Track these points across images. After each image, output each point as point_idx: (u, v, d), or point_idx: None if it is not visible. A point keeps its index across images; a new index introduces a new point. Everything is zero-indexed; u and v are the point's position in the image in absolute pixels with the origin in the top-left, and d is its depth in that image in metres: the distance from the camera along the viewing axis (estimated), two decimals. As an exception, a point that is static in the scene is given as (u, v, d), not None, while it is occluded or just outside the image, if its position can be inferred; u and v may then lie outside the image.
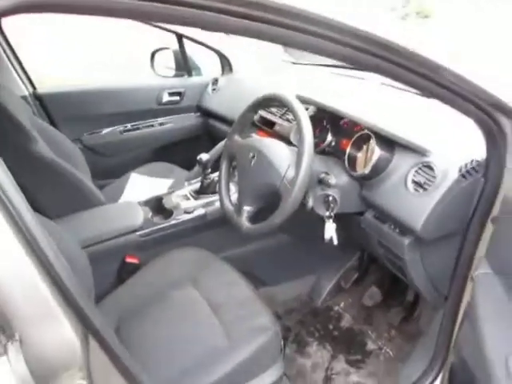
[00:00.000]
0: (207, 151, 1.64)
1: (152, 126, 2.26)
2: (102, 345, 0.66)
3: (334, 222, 1.21)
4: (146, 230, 1.46)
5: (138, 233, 1.44)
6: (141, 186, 1.99)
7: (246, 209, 1.23)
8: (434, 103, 1.29)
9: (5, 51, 1.88)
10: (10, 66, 1.90)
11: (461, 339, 1.12)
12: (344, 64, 1.85)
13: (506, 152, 0.99)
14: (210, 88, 2.31)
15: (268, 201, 1.21)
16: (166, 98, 2.26)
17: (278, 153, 1.18)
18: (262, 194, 1.21)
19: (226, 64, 2.31)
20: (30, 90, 1.99)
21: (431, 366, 1.30)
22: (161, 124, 2.29)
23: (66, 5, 0.54)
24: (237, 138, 1.34)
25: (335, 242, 1.20)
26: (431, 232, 1.11)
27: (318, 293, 1.85)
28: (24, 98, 1.91)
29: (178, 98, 2.30)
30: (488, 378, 0.83)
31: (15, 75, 1.92)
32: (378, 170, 1.20)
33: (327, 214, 1.20)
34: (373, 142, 1.21)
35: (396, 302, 1.74)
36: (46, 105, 2.01)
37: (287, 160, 1.14)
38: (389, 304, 1.76)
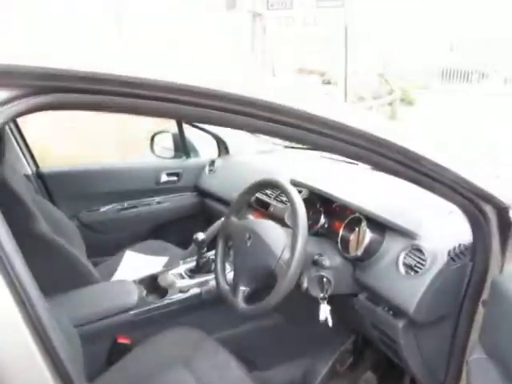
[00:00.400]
0: (203, 230, 1.68)
1: (149, 204, 2.32)
2: None
3: (328, 303, 1.22)
4: (140, 310, 1.45)
5: (131, 312, 1.43)
6: (135, 263, 1.99)
7: (242, 289, 1.24)
8: (418, 191, 1.39)
9: (11, 129, 1.98)
10: (15, 144, 1.99)
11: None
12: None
13: (491, 237, 1.04)
14: (207, 169, 2.41)
15: (263, 281, 1.23)
16: (164, 178, 2.35)
17: (273, 234, 1.22)
18: (258, 275, 1.24)
19: (222, 146, 2.44)
20: (33, 168, 2.07)
21: None
22: (158, 203, 2.35)
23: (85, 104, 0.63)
24: (233, 218, 1.39)
25: (330, 323, 1.20)
26: (424, 315, 1.13)
27: (313, 377, 1.78)
28: (27, 176, 1.98)
29: (175, 178, 2.38)
30: None
31: (20, 153, 2.01)
32: (370, 252, 1.24)
33: (321, 295, 1.22)
34: (364, 225, 1.27)
35: (393, 385, 1.69)
36: (46, 183, 2.07)
37: (282, 242, 1.19)
38: (385, 388, 1.70)
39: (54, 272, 1.46)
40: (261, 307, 1.16)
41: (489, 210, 1.01)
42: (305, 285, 1.20)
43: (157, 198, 2.35)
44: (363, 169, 1.72)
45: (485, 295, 1.09)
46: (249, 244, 1.24)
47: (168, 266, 1.83)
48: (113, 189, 2.24)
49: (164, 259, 2.01)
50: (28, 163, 2.05)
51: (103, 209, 2.21)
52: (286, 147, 2.49)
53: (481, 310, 1.11)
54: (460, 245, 1.13)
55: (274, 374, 1.75)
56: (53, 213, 1.78)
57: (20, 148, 2.02)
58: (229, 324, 1.60)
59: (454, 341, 1.18)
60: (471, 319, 1.13)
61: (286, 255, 1.14)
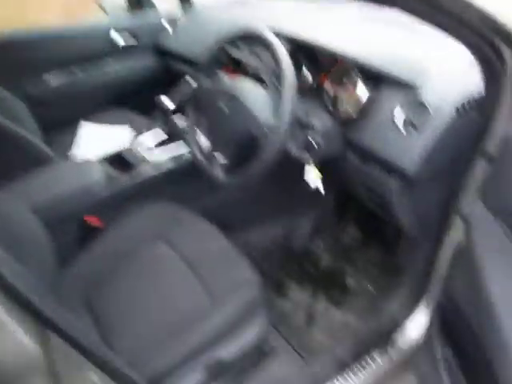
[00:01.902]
0: (167, 94, 1.46)
1: (104, 69, 2.02)
2: (68, 341, 0.55)
3: (317, 167, 1.11)
4: (107, 189, 1.31)
5: (97, 191, 1.29)
6: (95, 136, 1.79)
7: (221, 159, 1.10)
8: (423, 37, 1.20)
9: None
10: None
11: (451, 281, 1.08)
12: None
13: (505, 87, 0.90)
14: (167, 25, 2.06)
15: (245, 151, 1.09)
16: (118, 38, 2.00)
17: (254, 97, 1.05)
18: (238, 143, 1.09)
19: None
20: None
21: (415, 304, 1.29)
22: (114, 67, 2.04)
23: None
24: (205, 80, 1.18)
25: (322, 190, 1.10)
26: (423, 173, 1.04)
27: (295, 234, 1.78)
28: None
29: (132, 37, 2.04)
30: (492, 324, 0.79)
31: None
32: (364, 109, 1.09)
33: (310, 159, 1.09)
34: (355, 75, 1.09)
35: (376, 239, 1.71)
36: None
37: (265, 104, 1.02)
38: (368, 242, 1.73)
39: (2, 157, 1.27)
40: (243, 177, 1.04)
41: (505, 49, 0.85)
42: (293, 149, 1.06)
43: (112, 62, 2.03)
44: (352, 14, 1.47)
45: (488, 149, 0.99)
46: (227, 109, 1.06)
47: (133, 138, 1.65)
48: (61, 55, 1.89)
49: (127, 129, 1.81)
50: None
51: (52, 76, 1.91)
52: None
53: (483, 164, 1.02)
54: (469, 99, 0.99)
55: (255, 234, 1.73)
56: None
57: None
58: (203, 195, 1.49)
59: (448, 196, 1.12)
60: (470, 174, 1.05)
61: (271, 119, 0.98)
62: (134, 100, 2.05)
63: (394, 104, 1.05)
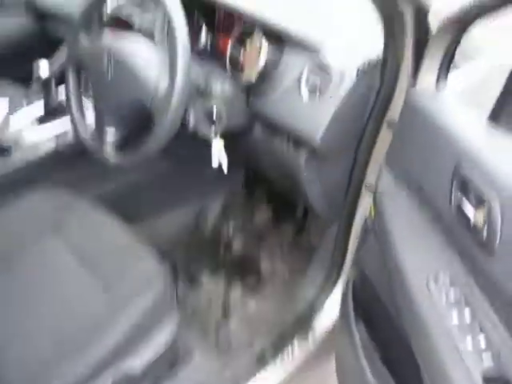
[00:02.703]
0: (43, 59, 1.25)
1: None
2: None
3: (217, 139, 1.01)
4: None
5: None
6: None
7: (110, 135, 0.95)
8: None
9: None
10: None
11: (362, 256, 1.07)
12: None
13: (404, 44, 0.87)
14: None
15: (137, 124, 0.95)
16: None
17: (142, 58, 0.90)
18: (128, 115, 0.94)
19: None
20: None
21: (330, 285, 1.27)
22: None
23: None
24: (83, 40, 1.00)
25: (225, 169, 1.01)
26: (330, 144, 0.98)
27: (205, 219, 1.68)
28: None
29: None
30: (409, 302, 0.76)
31: None
32: (267, 73, 1.00)
33: (213, 132, 0.99)
34: (259, 37, 1.00)
35: (286, 217, 1.67)
36: None
37: (156, 67, 0.88)
38: (279, 221, 1.68)
39: None
40: (138, 156, 0.91)
41: (406, 10, 0.82)
42: (191, 122, 0.95)
43: None
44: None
45: (390, 115, 0.97)
46: (110, 74, 0.91)
47: (6, 114, 1.41)
48: None
49: (3, 101, 1.54)
50: None
51: None
52: None
53: (386, 132, 1.00)
54: (370, 60, 0.95)
55: (162, 223, 1.61)
56: None
57: None
58: (98, 180, 1.32)
59: (353, 168, 1.09)
60: (374, 143, 1.03)
61: (163, 86, 0.85)
62: (7, 67, 1.75)
63: (298, 69, 0.98)
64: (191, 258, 1.60)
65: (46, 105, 1.25)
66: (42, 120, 1.26)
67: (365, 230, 1.04)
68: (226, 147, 1.04)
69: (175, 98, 0.81)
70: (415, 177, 0.83)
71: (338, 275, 1.24)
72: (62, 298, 0.93)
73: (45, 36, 1.81)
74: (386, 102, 0.95)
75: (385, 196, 0.91)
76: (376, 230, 0.91)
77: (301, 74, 0.97)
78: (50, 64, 1.23)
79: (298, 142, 1.02)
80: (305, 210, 1.61)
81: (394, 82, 0.93)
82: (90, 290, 0.94)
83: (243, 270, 1.58)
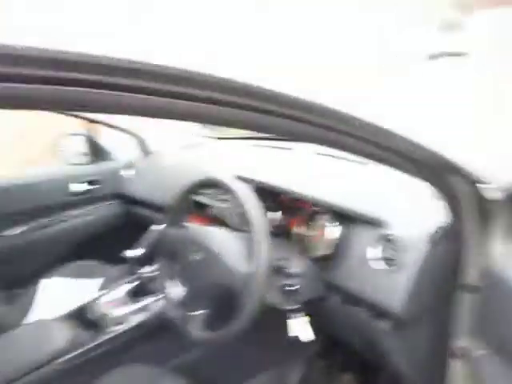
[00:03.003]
0: (132, 241, 1.43)
1: (64, 220, 1.99)
2: None
3: (299, 314, 1.06)
4: (71, 354, 1.19)
5: (60, 359, 1.16)
6: (58, 293, 1.68)
7: (196, 314, 1.04)
8: (379, 172, 1.26)
9: None
10: None
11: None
12: (270, 135, 1.79)
13: (464, 215, 0.93)
14: (127, 172, 2.13)
15: (223, 302, 1.04)
16: (77, 187, 2.02)
17: (226, 245, 1.03)
18: (214, 296, 1.04)
19: (142, 145, 2.16)
20: None
21: None
22: (75, 217, 2.02)
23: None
24: (172, 230, 1.17)
25: (312, 337, 1.04)
26: (410, 311, 1.00)
27: None
28: None
29: (91, 186, 2.07)
30: None
31: None
32: (336, 249, 1.09)
33: (289, 307, 1.05)
34: (325, 218, 1.12)
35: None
36: None
37: (239, 252, 1.00)
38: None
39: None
40: (226, 334, 0.97)
41: (458, 182, 0.90)
42: (270, 299, 1.02)
43: (73, 212, 2.02)
44: (307, 155, 1.57)
45: (469, 280, 0.98)
46: (198, 260, 1.04)
47: (98, 291, 1.56)
48: (15, 208, 1.87)
49: (93, 282, 1.72)
50: None
51: (6, 233, 1.85)
52: (220, 138, 2.27)
53: (467, 296, 1.01)
54: (436, 229, 1.01)
55: None
56: None
57: None
58: (181, 350, 1.38)
59: (438, 334, 1.08)
60: (454, 307, 1.03)
61: (247, 268, 0.95)
62: (99, 251, 1.99)
63: (366, 242, 1.06)
64: None
65: (134, 283, 1.38)
66: (130, 297, 1.38)
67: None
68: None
69: (257, 282, 0.90)
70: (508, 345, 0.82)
71: None
72: None
73: (131, 219, 2.08)
74: (459, 267, 0.97)
75: (480, 364, 0.89)
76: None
77: (368, 246, 1.05)
78: (138, 247, 1.39)
79: (377, 311, 1.04)
80: (390, 376, 1.52)
81: (464, 248, 0.97)
82: None
83: None
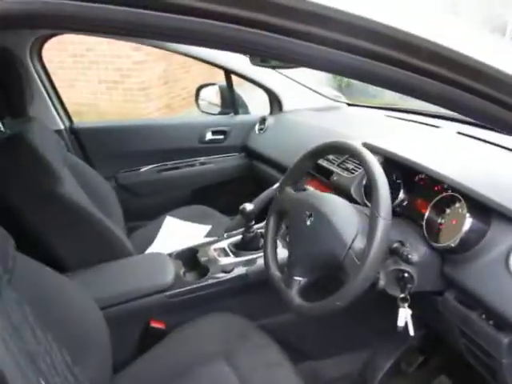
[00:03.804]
0: (251, 195, 1.44)
1: (193, 165, 2.10)
2: None
3: (407, 304, 0.95)
4: (176, 290, 1.25)
5: (166, 293, 1.23)
6: (175, 230, 1.80)
7: (298, 280, 1.00)
8: None
9: (41, 80, 1.78)
10: (46, 96, 1.80)
11: None
12: (409, 107, 1.62)
13: None
14: (257, 128, 2.14)
15: (327, 274, 0.98)
16: (209, 136, 2.11)
17: (342, 214, 0.95)
18: (320, 265, 0.98)
19: (275, 102, 2.14)
20: (67, 123, 1.88)
21: None
22: (202, 164, 2.12)
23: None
24: (289, 190, 1.12)
25: (411, 331, 0.93)
26: None
27: (372, 373, 1.54)
28: (59, 131, 1.79)
29: (222, 136, 2.13)
30: None
31: (51, 107, 1.82)
32: (469, 243, 0.94)
33: (402, 295, 0.94)
34: (461, 206, 0.96)
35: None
36: (81, 140, 1.89)
37: (355, 225, 0.91)
38: (461, 399, 1.43)
39: (81, 243, 1.29)
40: (323, 307, 0.91)
41: None
42: (382, 282, 0.93)
43: (201, 159, 2.12)
44: (447, 134, 1.39)
45: None
46: (309, 224, 0.98)
47: (211, 236, 1.62)
48: (153, 148, 2.03)
49: (207, 227, 1.80)
50: (61, 118, 1.86)
51: (143, 169, 2.02)
52: (350, 105, 2.15)
53: None
54: None
55: (327, 365, 1.54)
56: (86, 173, 1.60)
57: (51, 101, 1.83)
58: (276, 310, 1.37)
59: None
60: None
61: (360, 244, 0.87)
62: (219, 198, 2.08)
63: (507, 243, 0.89)
64: None
65: (243, 237, 1.39)
66: (239, 249, 1.39)
67: None
68: (411, 307, 0.98)
69: (370, 262, 0.82)
70: None
71: None
72: None
73: (254, 174, 2.11)
74: None
75: None
76: None
77: (511, 249, 0.88)
78: (254, 203, 1.39)
79: (501, 321, 0.90)
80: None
81: None
82: None
83: None
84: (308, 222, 0.98)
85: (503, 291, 0.87)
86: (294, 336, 1.41)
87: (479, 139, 1.25)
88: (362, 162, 0.93)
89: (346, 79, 4.45)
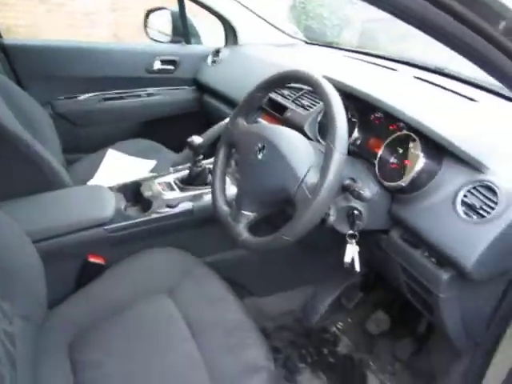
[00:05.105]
0: (200, 131, 1.36)
1: (139, 96, 1.95)
2: None
3: (354, 241, 0.95)
4: (117, 224, 1.17)
5: (105, 227, 1.16)
6: (118, 164, 1.69)
7: (246, 214, 0.96)
8: (490, 112, 1.06)
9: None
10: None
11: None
12: (368, 50, 1.57)
13: None
14: (210, 59, 2.00)
15: (276, 208, 0.94)
16: (157, 65, 1.95)
17: (296, 148, 0.90)
18: (270, 200, 0.94)
19: (230, 33, 2.01)
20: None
21: None
22: (149, 95, 1.98)
23: None
24: (241, 121, 1.05)
25: (357, 267, 0.93)
26: (484, 272, 0.86)
27: (314, 309, 1.59)
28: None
29: (171, 67, 1.99)
30: None
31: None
32: (419, 183, 0.93)
33: (350, 232, 0.93)
34: (415, 146, 0.94)
35: (405, 331, 1.49)
36: (12, 59, 1.68)
37: (308, 159, 0.87)
38: (396, 333, 1.50)
39: (5, 169, 1.16)
40: (271, 242, 0.88)
41: None
42: (332, 218, 0.91)
43: (148, 90, 1.97)
44: (404, 76, 1.36)
45: None
46: (260, 157, 0.92)
47: (156, 172, 1.54)
48: (96, 73, 1.85)
49: (152, 162, 1.71)
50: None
51: (83, 96, 1.85)
52: (308, 43, 2.06)
53: None
54: None
55: (271, 301, 1.57)
56: (17, 95, 1.44)
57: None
58: (222, 247, 1.34)
59: (504, 298, 0.95)
60: None
61: (312, 179, 0.83)
62: (166, 133, 1.96)
63: (456, 182, 0.89)
64: (294, 345, 1.51)
65: (190, 172, 1.32)
66: (183, 183, 1.33)
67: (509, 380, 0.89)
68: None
69: (322, 196, 0.78)
70: None
71: None
72: (162, 364, 0.92)
73: (204, 108, 2.00)
74: None
75: None
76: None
77: (458, 190, 0.88)
78: (203, 137, 1.31)
79: (443, 259, 0.92)
80: (428, 327, 1.42)
81: None
82: (192, 363, 0.93)
83: (346, 376, 1.43)
84: (259, 155, 0.93)
85: (448, 230, 0.88)
86: (239, 273, 1.40)
87: (435, 84, 1.23)
88: (320, 92, 0.87)
89: (304, 20, 4.29)
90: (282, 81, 1.03)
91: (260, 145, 0.93)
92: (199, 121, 1.99)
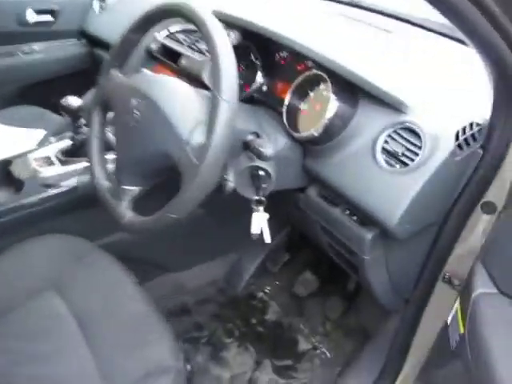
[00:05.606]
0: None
1: (13, 55, 1.63)
2: None
3: (265, 209, 0.80)
4: None
5: None
6: (-3, 138, 1.42)
7: (128, 189, 0.77)
8: (411, 44, 0.96)
9: None
10: None
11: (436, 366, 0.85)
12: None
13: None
14: (96, 6, 1.71)
15: (160, 180, 0.77)
16: (32, 17, 1.62)
17: (179, 101, 0.72)
18: (153, 169, 0.76)
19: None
20: None
21: (381, 379, 1.04)
22: (27, 53, 1.66)
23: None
24: (116, 73, 0.85)
25: (267, 239, 0.79)
26: (409, 226, 0.76)
27: (238, 277, 1.48)
28: None
29: (50, 17, 1.67)
30: None
31: None
32: (333, 131, 0.80)
33: (256, 197, 0.78)
34: (327, 88, 0.79)
35: (334, 290, 1.42)
36: None
37: (193, 114, 0.69)
38: (325, 293, 1.44)
39: None
40: (157, 221, 0.71)
41: None
42: (230, 184, 0.75)
43: (24, 47, 1.65)
44: (314, 10, 1.20)
45: (490, 197, 0.75)
46: (136, 116, 0.73)
47: (43, 143, 1.29)
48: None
49: (40, 132, 1.44)
50: None
51: None
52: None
53: (481, 216, 0.78)
54: (472, 124, 0.74)
55: (190, 275, 1.44)
56: None
57: None
58: (117, 226, 1.16)
59: (431, 254, 0.87)
60: (461, 227, 0.81)
61: (200, 138, 0.66)
62: (54, 97, 1.67)
63: (375, 129, 0.76)
64: (218, 319, 1.39)
65: (73, 142, 1.09)
66: (66, 155, 1.10)
67: (441, 336, 0.83)
68: (270, 205, 0.83)
69: (209, 160, 0.61)
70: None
71: (397, 373, 1.00)
72: (48, 379, 0.77)
73: (94, 65, 1.73)
74: (487, 178, 0.74)
75: (483, 301, 0.67)
76: (466, 338, 0.67)
77: (378, 135, 0.76)
78: (85, 96, 1.08)
79: (364, 217, 0.80)
80: (357, 284, 1.36)
81: (500, 155, 0.71)
82: (84, 373, 0.78)
83: (276, 345, 1.34)
84: (135, 114, 0.73)
85: (368, 184, 0.77)
86: (147, 251, 1.25)
87: (346, 16, 1.10)
88: (201, 29, 0.69)
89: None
90: (160, 16, 0.83)
91: (135, 101, 0.73)
92: (92, 80, 1.72)
